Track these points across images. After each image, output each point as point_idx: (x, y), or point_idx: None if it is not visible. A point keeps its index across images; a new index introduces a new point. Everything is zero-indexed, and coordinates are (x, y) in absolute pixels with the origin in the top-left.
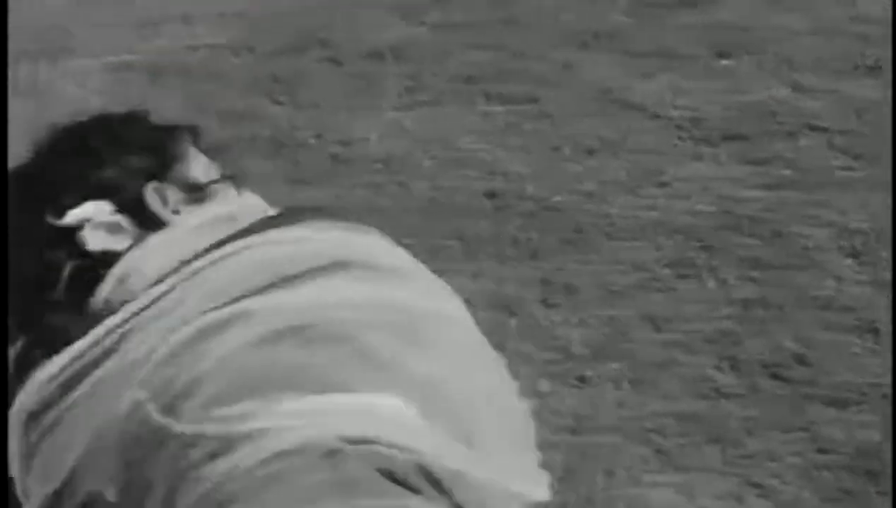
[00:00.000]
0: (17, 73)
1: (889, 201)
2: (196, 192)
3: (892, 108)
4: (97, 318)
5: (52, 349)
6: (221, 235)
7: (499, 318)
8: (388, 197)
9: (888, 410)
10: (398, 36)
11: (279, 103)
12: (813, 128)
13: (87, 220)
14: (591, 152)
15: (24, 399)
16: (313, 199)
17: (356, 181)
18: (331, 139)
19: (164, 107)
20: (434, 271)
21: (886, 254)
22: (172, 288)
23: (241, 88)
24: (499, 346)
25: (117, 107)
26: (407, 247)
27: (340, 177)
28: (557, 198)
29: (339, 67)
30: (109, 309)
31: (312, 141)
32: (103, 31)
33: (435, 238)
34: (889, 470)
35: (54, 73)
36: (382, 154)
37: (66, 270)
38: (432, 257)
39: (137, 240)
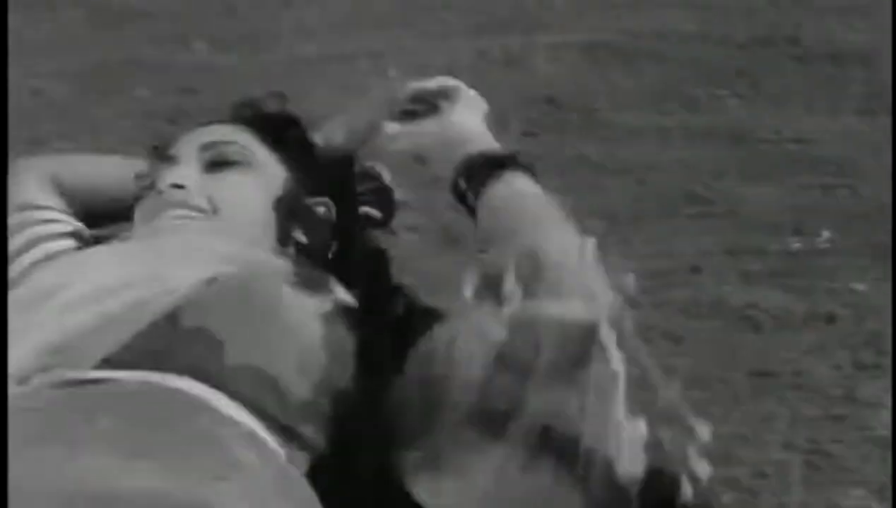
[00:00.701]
0: (493, 43)
1: None
2: None
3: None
4: None
5: None
6: None
7: None
8: (836, 198)
9: None
10: (864, 41)
11: (739, 96)
12: None
13: None
14: None
15: None
16: (763, 195)
17: (808, 180)
18: (787, 136)
19: (631, 90)
20: (871, 279)
21: None
22: None
23: (705, 77)
24: None
25: (589, 85)
26: (848, 250)
27: (793, 175)
28: None
29: (804, 66)
30: None
31: (770, 136)
32: (579, 9)
33: (876, 245)
34: None
35: (529, 47)
36: (836, 156)
37: None
38: (871, 264)
39: None
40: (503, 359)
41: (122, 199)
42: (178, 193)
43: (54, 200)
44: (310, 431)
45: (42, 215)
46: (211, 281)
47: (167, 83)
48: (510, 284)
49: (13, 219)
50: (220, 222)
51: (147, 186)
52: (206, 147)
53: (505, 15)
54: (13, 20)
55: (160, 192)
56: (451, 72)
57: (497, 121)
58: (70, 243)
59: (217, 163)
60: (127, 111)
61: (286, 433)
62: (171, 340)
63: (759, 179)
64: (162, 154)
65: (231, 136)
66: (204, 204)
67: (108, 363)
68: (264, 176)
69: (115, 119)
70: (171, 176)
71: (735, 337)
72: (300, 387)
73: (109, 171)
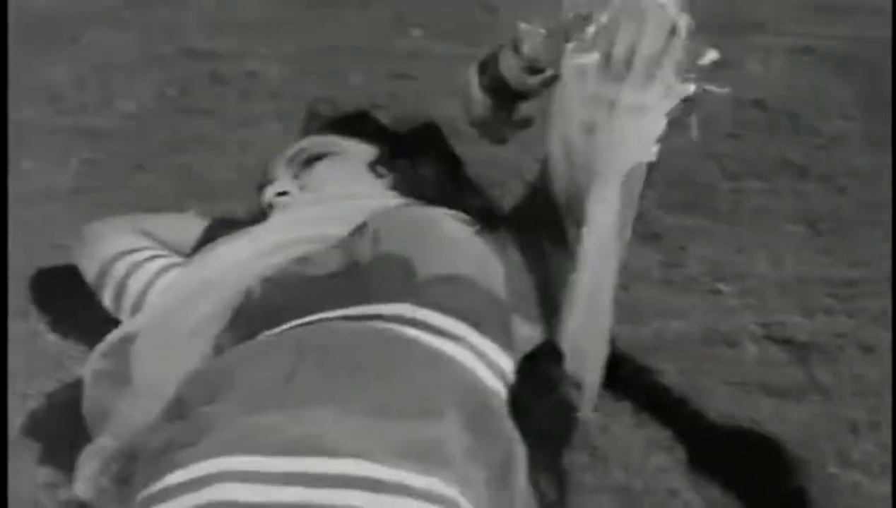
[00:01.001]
0: (706, 43)
1: None
2: None
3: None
4: None
5: None
6: None
7: None
8: None
9: None
10: None
11: None
12: None
13: None
14: None
15: None
16: None
17: None
18: None
19: (838, 96)
20: None
21: None
22: None
23: None
24: None
25: (797, 90)
26: None
27: None
28: None
29: None
30: None
31: None
32: (792, 13)
33: None
34: None
35: (741, 49)
36: None
37: None
38: None
39: None
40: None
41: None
42: (285, 199)
43: (150, 243)
44: (520, 325)
45: (150, 253)
46: (361, 225)
47: (382, 68)
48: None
49: (121, 265)
50: (330, 197)
51: (261, 211)
52: (292, 158)
53: (720, 16)
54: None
55: (271, 205)
56: None
57: (706, 121)
58: None
59: (306, 163)
60: (340, 95)
61: (496, 330)
62: (359, 276)
63: None
64: (263, 183)
65: (312, 141)
66: (309, 197)
67: (305, 311)
68: (352, 155)
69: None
70: (273, 189)
71: None
72: (492, 283)
73: (186, 226)
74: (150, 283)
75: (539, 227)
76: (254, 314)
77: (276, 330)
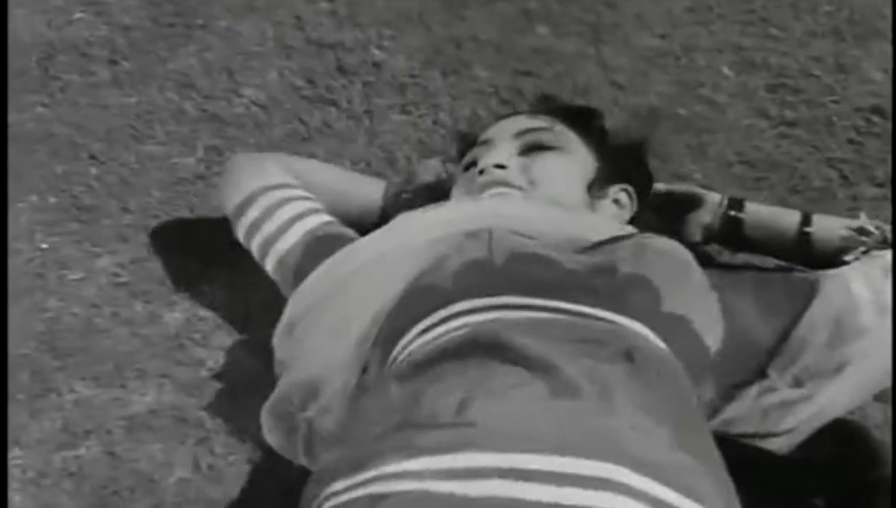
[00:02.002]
0: (827, 49)
1: None
2: None
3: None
4: None
5: None
6: None
7: None
8: None
9: None
10: None
11: None
12: None
13: None
14: None
15: None
16: None
17: None
18: None
19: None
20: None
21: None
22: None
23: None
24: None
25: None
26: None
27: None
28: None
29: None
30: None
31: None
32: None
33: None
34: None
35: (862, 55)
36: None
37: None
38: None
39: None
40: None
41: (357, 213)
42: (500, 172)
43: (299, 183)
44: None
45: (301, 193)
46: (623, 236)
47: (506, 64)
48: None
49: (272, 197)
50: (539, 196)
51: (467, 165)
52: (521, 133)
53: (839, 22)
54: None
55: (482, 171)
56: (780, 73)
57: (825, 126)
58: (331, 218)
59: (533, 148)
60: (464, 89)
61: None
62: (615, 283)
63: None
64: (475, 139)
65: (546, 124)
66: (524, 183)
67: (550, 293)
68: (578, 161)
69: (451, 95)
70: (492, 157)
71: None
72: (712, 342)
73: (347, 184)
74: (292, 221)
75: None
76: (492, 277)
77: (517, 299)
